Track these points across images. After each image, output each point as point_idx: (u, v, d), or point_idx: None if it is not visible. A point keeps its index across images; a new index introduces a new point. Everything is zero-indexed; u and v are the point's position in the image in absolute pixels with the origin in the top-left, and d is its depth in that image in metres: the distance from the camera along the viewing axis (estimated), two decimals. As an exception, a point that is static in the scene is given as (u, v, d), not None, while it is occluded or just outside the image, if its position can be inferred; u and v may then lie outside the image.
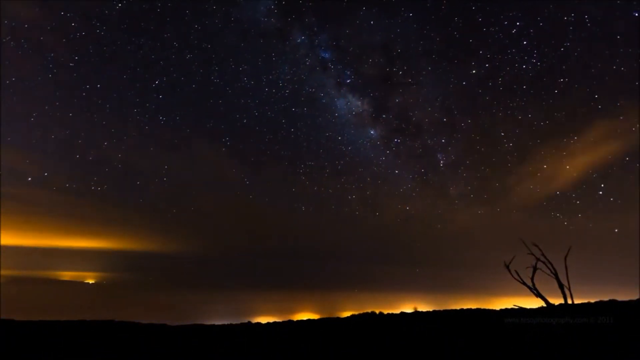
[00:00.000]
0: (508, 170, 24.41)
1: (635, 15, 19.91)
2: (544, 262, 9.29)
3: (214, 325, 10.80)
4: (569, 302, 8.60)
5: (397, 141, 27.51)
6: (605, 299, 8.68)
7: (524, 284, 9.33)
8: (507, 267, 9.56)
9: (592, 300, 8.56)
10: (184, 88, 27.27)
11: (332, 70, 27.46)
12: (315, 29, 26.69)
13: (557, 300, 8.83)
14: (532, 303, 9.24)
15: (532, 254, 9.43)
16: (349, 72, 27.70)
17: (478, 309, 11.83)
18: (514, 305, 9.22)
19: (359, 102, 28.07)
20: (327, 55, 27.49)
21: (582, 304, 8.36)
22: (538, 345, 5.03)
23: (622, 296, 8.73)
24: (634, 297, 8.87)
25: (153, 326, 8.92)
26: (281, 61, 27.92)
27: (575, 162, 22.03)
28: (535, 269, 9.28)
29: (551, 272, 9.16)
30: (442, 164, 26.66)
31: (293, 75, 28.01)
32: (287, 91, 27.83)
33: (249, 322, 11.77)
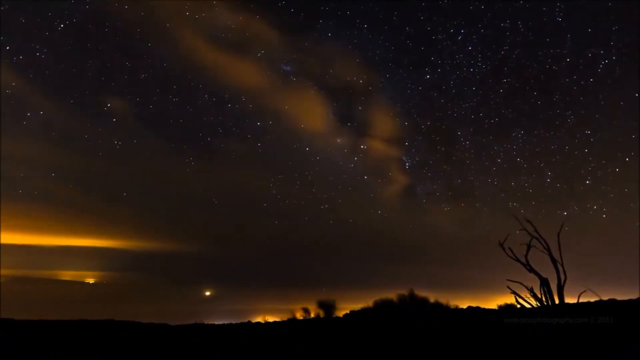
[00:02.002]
0: (467, 167, 27.51)
1: (559, 20, 23.69)
2: (537, 239, 9.35)
3: (214, 325, 10.81)
4: (562, 278, 8.63)
5: (363, 147, 29.00)
6: (605, 298, 8.68)
7: (518, 260, 9.39)
8: (502, 245, 9.66)
9: (592, 300, 8.59)
10: (141, 110, 26.82)
11: (294, 82, 28.45)
12: (275, 42, 27.64)
13: (550, 276, 8.87)
14: (526, 280, 9.28)
15: (525, 230, 9.53)
16: (311, 84, 28.71)
17: (478, 308, 11.84)
18: (507, 280, 9.29)
19: (324, 112, 29.30)
20: (288, 68, 28.28)
21: (582, 303, 8.36)
22: (538, 345, 5.03)
23: (622, 295, 8.76)
24: (634, 296, 8.89)
25: (153, 326, 8.94)
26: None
27: (524, 153, 26.03)
28: (529, 246, 9.34)
29: (544, 247, 9.22)
30: (408, 165, 28.39)
31: (256, 89, 28.63)
32: (251, 106, 28.24)
33: (249, 322, 11.78)
